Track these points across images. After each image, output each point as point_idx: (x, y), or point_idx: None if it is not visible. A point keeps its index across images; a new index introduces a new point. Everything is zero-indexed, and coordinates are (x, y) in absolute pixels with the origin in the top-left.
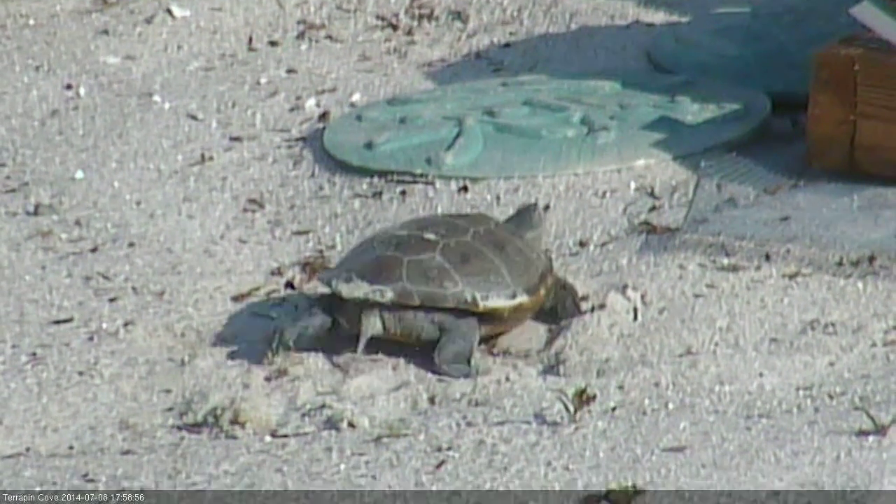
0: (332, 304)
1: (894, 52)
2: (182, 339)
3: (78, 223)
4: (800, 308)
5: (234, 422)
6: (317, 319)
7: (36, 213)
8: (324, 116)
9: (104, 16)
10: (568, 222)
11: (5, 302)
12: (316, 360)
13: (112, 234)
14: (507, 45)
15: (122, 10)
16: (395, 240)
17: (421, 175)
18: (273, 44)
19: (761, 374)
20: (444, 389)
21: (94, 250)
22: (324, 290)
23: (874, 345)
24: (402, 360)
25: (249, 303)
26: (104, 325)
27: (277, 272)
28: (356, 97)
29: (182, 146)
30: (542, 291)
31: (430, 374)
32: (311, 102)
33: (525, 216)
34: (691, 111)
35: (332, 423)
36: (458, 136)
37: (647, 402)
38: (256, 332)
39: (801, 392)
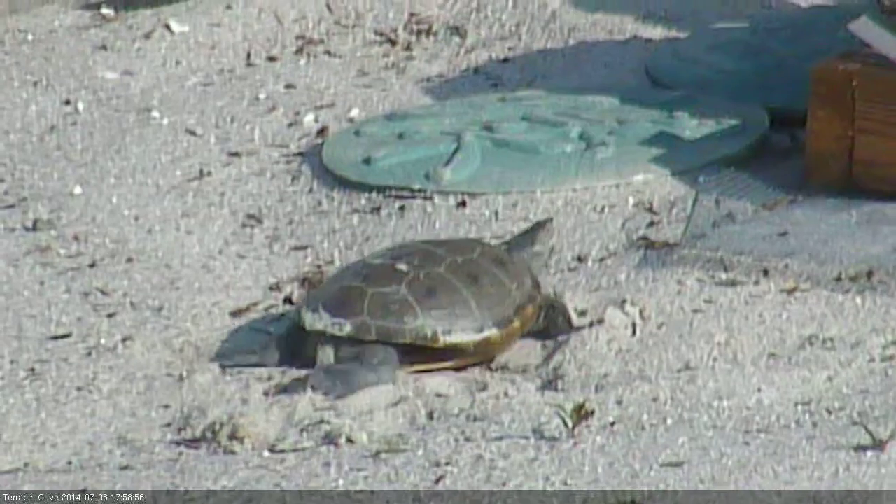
0: (296, 331)
1: (892, 67)
2: (180, 355)
3: (76, 238)
4: (798, 323)
5: (232, 437)
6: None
7: (34, 228)
8: (322, 132)
9: (103, 31)
10: (566, 237)
11: (4, 317)
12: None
13: (110, 250)
14: (505, 60)
15: (120, 25)
16: (367, 269)
17: (419, 190)
18: (271, 59)
19: (760, 390)
20: (443, 405)
21: (92, 265)
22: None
23: (872, 360)
24: (399, 375)
25: (248, 318)
26: (103, 341)
27: (276, 287)
28: (354, 112)
29: (180, 161)
30: (517, 323)
31: (428, 390)
32: (309, 118)
33: (533, 232)
34: (690, 126)
35: (330, 439)
36: (456, 151)
37: (645, 417)
38: (255, 348)
39: (799, 407)
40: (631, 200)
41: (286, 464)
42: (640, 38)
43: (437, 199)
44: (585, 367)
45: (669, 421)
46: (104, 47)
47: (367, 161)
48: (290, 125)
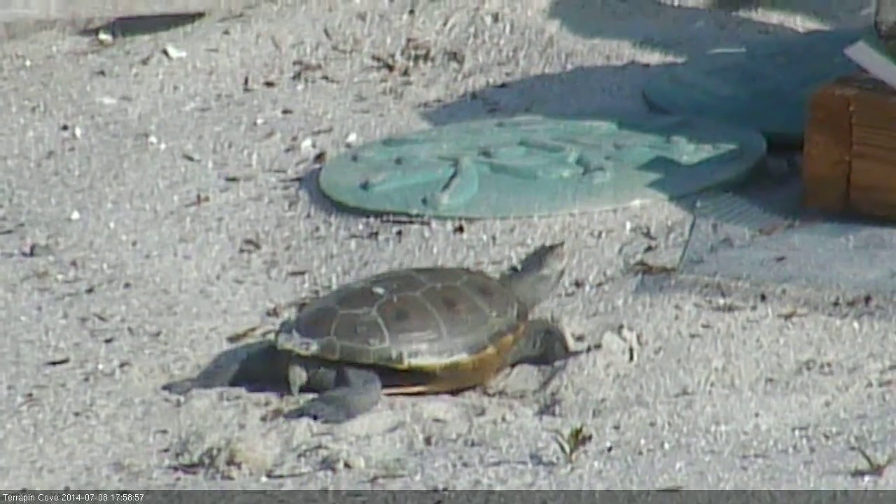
0: (273, 352)
1: (889, 92)
2: (178, 380)
3: (74, 264)
4: (796, 348)
5: (229, 462)
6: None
7: (32, 254)
8: (320, 157)
9: (100, 57)
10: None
11: (1, 343)
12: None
13: (108, 275)
14: (502, 85)
15: (118, 51)
16: (345, 292)
17: (417, 215)
18: (269, 84)
19: (757, 415)
20: (441, 430)
21: (89, 291)
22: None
23: (870, 385)
24: (397, 400)
25: (245, 343)
26: (100, 366)
27: (273, 313)
28: (352, 138)
29: (178, 187)
30: (492, 350)
31: (425, 415)
32: (307, 143)
33: (542, 255)
34: (687, 151)
35: (327, 464)
36: (453, 176)
37: (642, 442)
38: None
39: (796, 432)
40: (628, 225)
41: (284, 489)
42: (638, 63)
43: (434, 224)
44: (583, 392)
45: (667, 446)
46: (102, 73)
47: (365, 186)
48: (288, 150)
